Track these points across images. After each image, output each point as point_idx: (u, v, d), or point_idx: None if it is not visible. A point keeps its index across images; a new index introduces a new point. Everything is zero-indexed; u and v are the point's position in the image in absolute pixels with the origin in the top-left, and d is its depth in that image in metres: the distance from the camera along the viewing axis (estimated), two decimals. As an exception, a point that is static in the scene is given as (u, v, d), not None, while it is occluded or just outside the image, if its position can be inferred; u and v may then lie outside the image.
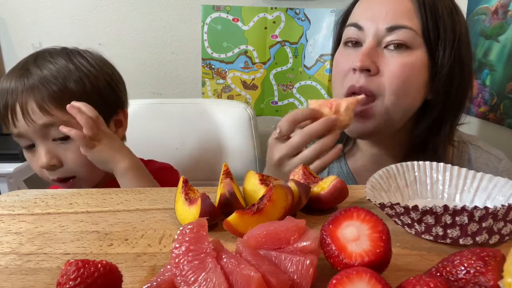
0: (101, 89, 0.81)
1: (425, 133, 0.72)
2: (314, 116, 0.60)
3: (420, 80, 0.67)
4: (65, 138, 0.77)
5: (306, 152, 0.60)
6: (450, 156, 0.73)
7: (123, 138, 0.89)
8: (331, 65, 0.82)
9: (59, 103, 0.75)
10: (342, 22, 0.76)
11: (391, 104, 0.66)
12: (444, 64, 0.66)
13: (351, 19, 0.71)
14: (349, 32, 0.69)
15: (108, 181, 0.84)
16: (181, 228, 0.34)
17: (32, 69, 0.77)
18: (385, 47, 0.66)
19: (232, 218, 0.41)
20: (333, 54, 0.78)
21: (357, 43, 0.69)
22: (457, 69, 0.67)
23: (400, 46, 0.65)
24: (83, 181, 0.80)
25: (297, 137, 0.60)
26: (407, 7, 0.65)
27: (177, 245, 0.32)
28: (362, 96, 0.64)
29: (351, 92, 0.67)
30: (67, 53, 0.82)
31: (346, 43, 0.71)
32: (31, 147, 0.78)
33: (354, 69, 0.66)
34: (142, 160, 0.94)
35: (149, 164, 0.92)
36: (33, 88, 0.75)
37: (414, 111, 0.70)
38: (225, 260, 0.32)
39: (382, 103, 0.66)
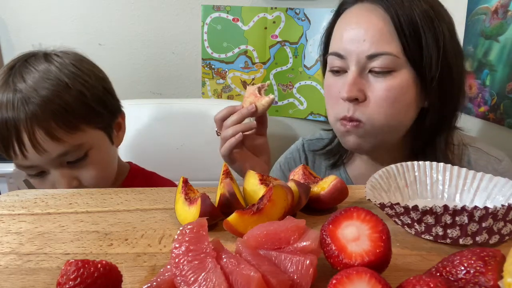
0: (102, 96, 0.77)
1: (425, 137, 0.72)
2: (232, 112, 0.70)
3: (408, 98, 0.67)
4: (80, 159, 0.74)
5: (229, 131, 0.69)
6: (450, 158, 0.73)
7: (121, 140, 0.87)
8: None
9: (68, 126, 0.71)
10: (325, 44, 0.76)
11: (380, 126, 0.67)
12: (433, 76, 0.65)
13: (332, 46, 0.71)
14: (332, 61, 0.70)
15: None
16: (181, 228, 0.34)
17: (25, 89, 0.69)
18: (369, 71, 0.66)
19: (232, 218, 0.41)
20: (323, 72, 0.79)
21: (341, 69, 0.69)
22: (445, 75, 0.66)
23: (383, 71, 0.65)
24: None
25: (222, 131, 0.72)
26: (383, 30, 0.64)
27: (177, 245, 0.32)
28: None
29: (344, 120, 0.68)
30: (52, 60, 0.74)
31: (331, 70, 0.71)
32: (41, 174, 0.74)
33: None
34: (143, 171, 0.94)
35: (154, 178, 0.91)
36: (36, 114, 0.68)
37: (409, 124, 0.70)
38: (225, 260, 0.32)
39: (372, 126, 0.67)
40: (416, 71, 0.66)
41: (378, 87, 0.65)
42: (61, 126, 0.70)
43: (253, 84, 1.42)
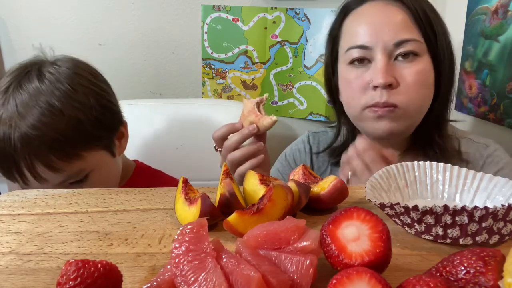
0: (99, 117, 0.74)
1: (429, 128, 0.75)
2: (232, 131, 0.70)
3: (431, 81, 0.71)
4: (82, 180, 0.73)
5: (237, 153, 0.68)
6: (448, 150, 0.75)
7: (124, 148, 0.85)
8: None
9: (67, 156, 0.69)
10: (333, 41, 0.77)
11: (413, 109, 0.70)
12: (446, 62, 0.71)
13: (347, 43, 0.73)
14: (353, 54, 0.71)
15: None
16: (181, 228, 0.34)
17: (18, 119, 0.68)
18: (395, 58, 0.69)
19: (232, 218, 0.41)
20: (328, 72, 0.80)
21: (363, 60, 0.71)
22: (450, 62, 0.72)
23: (409, 55, 0.69)
24: None
25: (222, 150, 0.71)
26: (404, 19, 0.69)
27: (177, 245, 0.32)
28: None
29: (375, 107, 0.69)
30: (44, 81, 0.71)
31: (352, 62, 0.72)
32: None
33: (375, 86, 0.68)
34: (149, 169, 0.94)
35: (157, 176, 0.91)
36: (32, 147, 0.67)
37: (427, 110, 0.73)
38: (225, 260, 0.32)
39: (406, 110, 0.69)
40: (432, 58, 0.70)
41: (408, 72, 0.68)
42: (60, 158, 0.69)
43: (253, 85, 1.43)
